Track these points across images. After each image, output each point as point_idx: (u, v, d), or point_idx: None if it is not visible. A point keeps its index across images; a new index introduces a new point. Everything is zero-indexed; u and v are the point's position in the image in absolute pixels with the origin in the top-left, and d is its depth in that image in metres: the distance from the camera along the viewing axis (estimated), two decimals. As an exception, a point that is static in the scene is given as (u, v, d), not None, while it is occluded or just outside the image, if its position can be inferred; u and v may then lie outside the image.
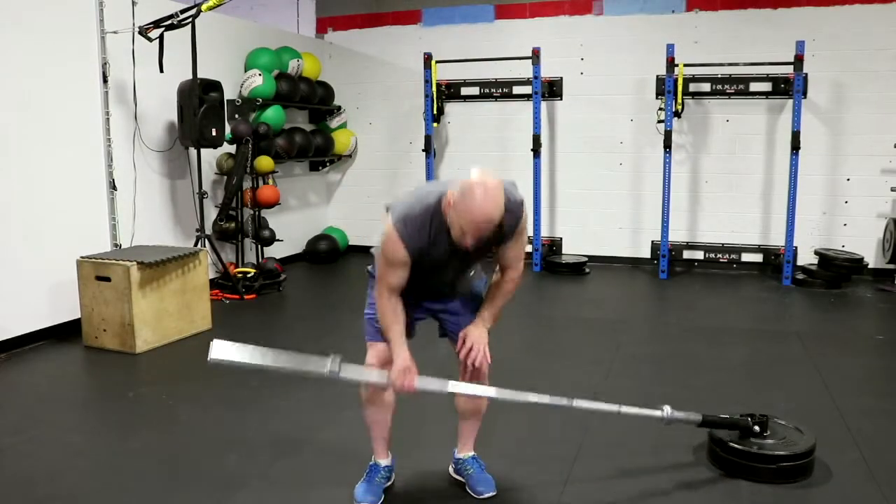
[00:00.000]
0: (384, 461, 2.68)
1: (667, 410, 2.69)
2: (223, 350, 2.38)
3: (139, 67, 5.11)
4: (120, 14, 4.96)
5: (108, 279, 4.38)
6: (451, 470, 2.77)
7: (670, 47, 6.29)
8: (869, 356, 4.44)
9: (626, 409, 2.64)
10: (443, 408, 2.76)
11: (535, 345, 4.49)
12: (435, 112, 7.02)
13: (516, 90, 7.12)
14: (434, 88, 6.96)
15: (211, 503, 2.63)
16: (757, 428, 2.80)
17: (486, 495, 2.61)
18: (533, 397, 2.54)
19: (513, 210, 2.25)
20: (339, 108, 7.67)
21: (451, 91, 7.22)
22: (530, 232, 6.90)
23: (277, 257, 6.49)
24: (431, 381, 2.41)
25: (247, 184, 6.07)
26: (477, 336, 2.44)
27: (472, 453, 2.72)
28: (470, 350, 2.42)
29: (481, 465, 2.71)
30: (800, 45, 6.01)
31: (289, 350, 2.44)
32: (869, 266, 6.34)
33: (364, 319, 2.53)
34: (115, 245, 5.05)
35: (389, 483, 2.68)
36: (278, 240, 6.31)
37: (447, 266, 2.39)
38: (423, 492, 2.73)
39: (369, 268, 2.54)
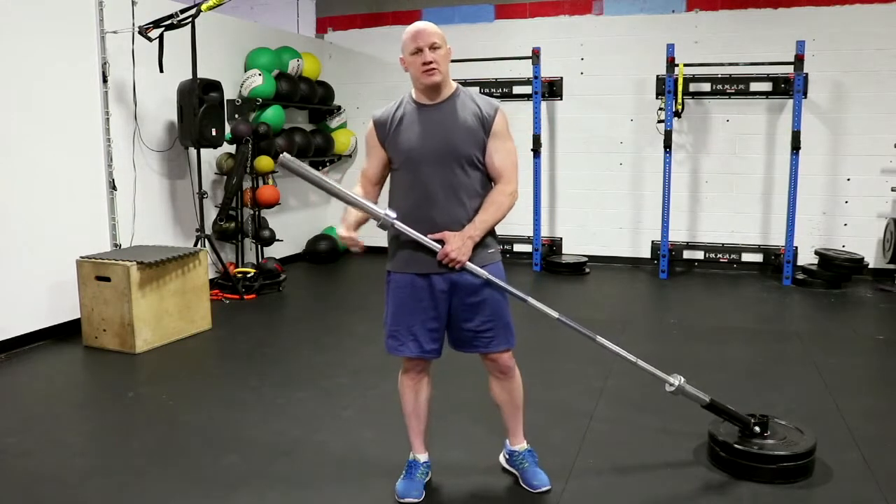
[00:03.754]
0: (422, 457, 2.71)
1: (679, 380, 2.72)
2: (292, 160, 2.44)
3: (139, 67, 5.12)
4: (120, 14, 4.96)
5: (107, 279, 4.38)
6: (502, 460, 2.81)
7: (670, 47, 6.29)
8: (869, 356, 4.44)
9: (642, 363, 2.68)
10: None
11: (535, 345, 4.47)
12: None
13: (516, 90, 7.13)
14: (434, 88, 6.95)
15: (211, 503, 2.63)
16: (757, 428, 2.80)
17: (542, 489, 2.63)
18: (554, 313, 2.56)
19: (489, 101, 2.49)
20: (339, 108, 7.67)
21: (451, 91, 7.21)
22: (529, 231, 6.91)
23: (277, 257, 6.50)
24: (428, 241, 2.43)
25: (247, 184, 6.07)
26: (453, 244, 2.39)
27: (526, 446, 2.74)
28: (446, 254, 2.40)
29: (535, 458, 2.73)
30: (800, 45, 6.01)
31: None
32: (869, 266, 6.34)
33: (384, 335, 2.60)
34: (115, 245, 5.05)
35: (428, 479, 2.71)
36: (278, 240, 6.31)
37: (429, 162, 2.42)
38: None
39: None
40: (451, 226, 2.43)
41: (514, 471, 2.75)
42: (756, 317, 5.38)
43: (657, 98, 6.64)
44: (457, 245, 2.39)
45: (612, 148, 7.03)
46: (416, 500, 2.59)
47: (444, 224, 2.43)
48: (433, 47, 2.37)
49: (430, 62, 2.36)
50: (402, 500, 2.59)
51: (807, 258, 6.47)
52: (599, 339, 2.63)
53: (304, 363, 4.21)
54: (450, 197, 2.43)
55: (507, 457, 2.79)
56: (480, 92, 2.60)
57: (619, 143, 7.02)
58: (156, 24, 4.96)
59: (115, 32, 4.94)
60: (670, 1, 6.75)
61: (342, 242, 2.46)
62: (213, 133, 5.37)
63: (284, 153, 2.45)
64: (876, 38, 6.23)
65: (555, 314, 2.57)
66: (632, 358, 2.67)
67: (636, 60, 6.82)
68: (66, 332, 4.68)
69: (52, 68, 4.59)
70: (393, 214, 2.42)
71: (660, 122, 6.46)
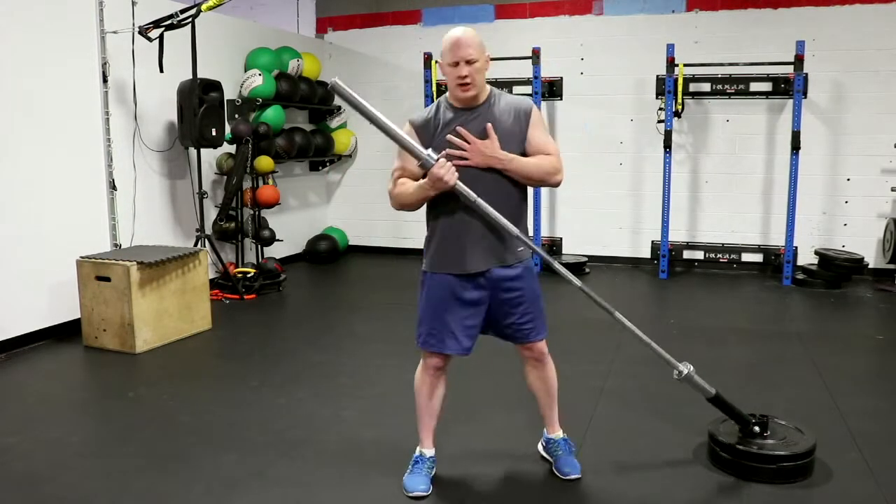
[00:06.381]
0: (429, 451, 2.77)
1: (688, 368, 2.75)
2: (344, 86, 2.43)
3: (139, 67, 5.12)
4: (120, 14, 4.96)
5: (108, 279, 4.38)
6: (540, 448, 2.89)
7: (670, 47, 6.29)
8: (869, 356, 4.44)
9: (654, 345, 2.72)
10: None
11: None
12: (435, 112, 7.02)
13: (516, 90, 7.10)
14: (434, 88, 6.96)
15: (211, 503, 2.63)
16: (757, 428, 2.80)
17: (572, 476, 2.72)
18: (577, 281, 2.61)
19: (522, 99, 2.57)
20: (339, 108, 7.67)
21: (451, 91, 7.21)
22: (531, 231, 6.90)
23: (277, 257, 6.49)
24: (467, 189, 2.42)
25: (247, 184, 6.07)
26: (485, 144, 2.42)
27: (562, 434, 2.83)
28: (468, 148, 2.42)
29: (570, 447, 2.82)
30: (800, 45, 6.02)
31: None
32: (869, 266, 6.34)
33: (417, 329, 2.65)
34: (115, 245, 5.05)
35: (433, 472, 2.76)
36: (278, 240, 6.31)
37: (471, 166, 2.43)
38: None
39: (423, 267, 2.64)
40: (492, 229, 2.47)
41: (549, 458, 2.83)
42: (756, 317, 5.38)
43: (657, 98, 6.64)
44: (487, 148, 2.42)
45: (612, 148, 7.03)
46: (424, 494, 2.63)
47: (484, 225, 2.46)
48: (469, 61, 2.41)
49: (465, 76, 2.42)
50: (411, 495, 2.63)
51: (807, 258, 6.47)
52: (617, 314, 2.69)
53: (304, 363, 4.21)
54: (491, 200, 2.45)
55: (544, 444, 2.88)
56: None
57: (619, 143, 7.02)
58: (156, 24, 4.96)
59: (115, 32, 4.94)
60: (670, 1, 6.75)
61: (441, 177, 2.37)
62: (213, 133, 5.37)
63: (336, 78, 2.41)
64: (876, 38, 6.23)
65: (577, 282, 2.62)
66: (645, 338, 2.70)
67: (636, 60, 6.82)
68: (66, 332, 4.68)
69: (52, 68, 4.59)
70: (435, 156, 2.40)
71: (660, 122, 6.46)
